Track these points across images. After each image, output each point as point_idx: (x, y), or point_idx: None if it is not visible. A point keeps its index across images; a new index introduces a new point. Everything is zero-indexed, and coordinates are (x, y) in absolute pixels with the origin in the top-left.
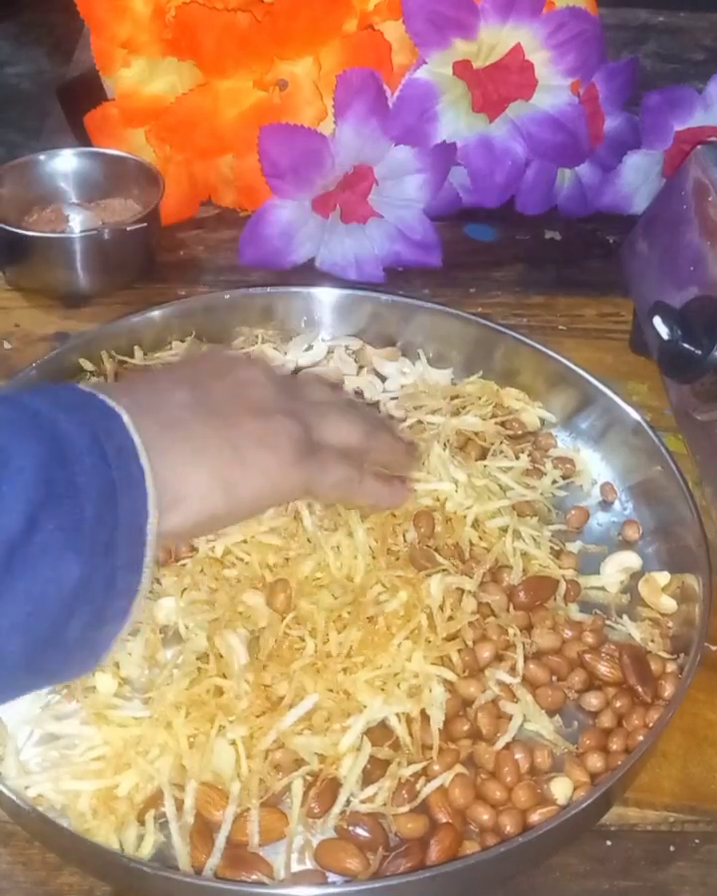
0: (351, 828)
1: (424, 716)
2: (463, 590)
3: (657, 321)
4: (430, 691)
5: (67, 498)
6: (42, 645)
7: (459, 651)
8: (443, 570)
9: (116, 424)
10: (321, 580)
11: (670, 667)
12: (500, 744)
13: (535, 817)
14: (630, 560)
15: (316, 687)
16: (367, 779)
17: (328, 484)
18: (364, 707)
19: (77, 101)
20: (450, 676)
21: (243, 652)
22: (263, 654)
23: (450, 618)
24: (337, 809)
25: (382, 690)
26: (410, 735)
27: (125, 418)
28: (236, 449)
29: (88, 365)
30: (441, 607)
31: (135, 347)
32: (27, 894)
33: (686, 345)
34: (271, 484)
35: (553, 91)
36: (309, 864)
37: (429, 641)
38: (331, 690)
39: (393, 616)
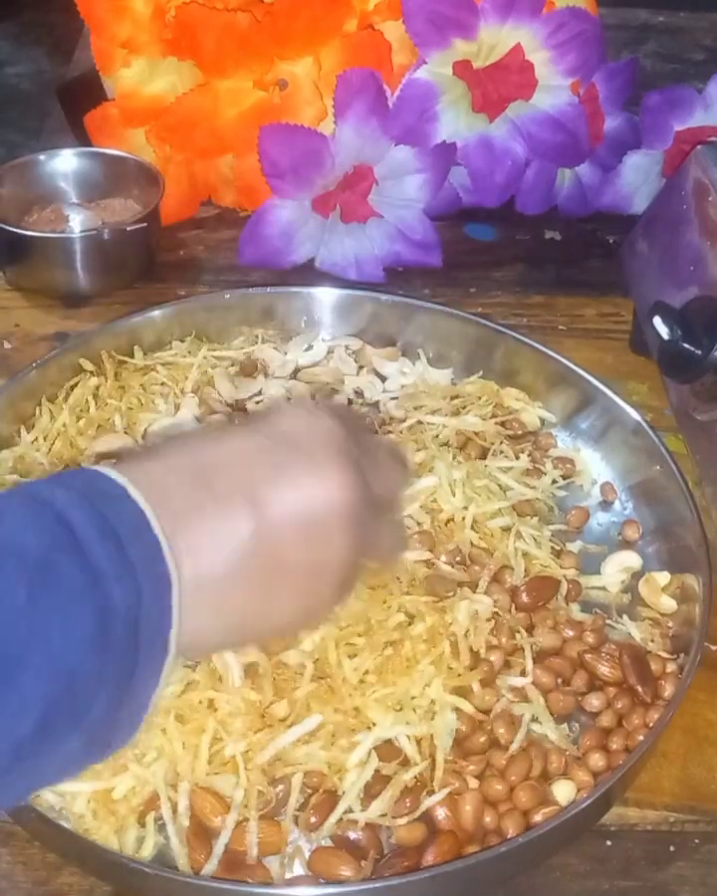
0: (344, 834)
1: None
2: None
3: (657, 321)
4: (443, 717)
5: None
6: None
7: (480, 680)
8: (465, 599)
9: (161, 602)
10: None
11: (670, 667)
12: (514, 747)
13: (537, 818)
14: (631, 559)
15: (321, 709)
16: (368, 791)
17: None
18: (374, 724)
19: (77, 101)
20: (468, 708)
21: (238, 673)
22: (259, 685)
23: (473, 650)
24: (333, 820)
25: (395, 711)
26: (419, 754)
27: (174, 592)
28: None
29: (88, 366)
30: (466, 634)
31: (135, 348)
32: (27, 894)
33: (686, 345)
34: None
35: (553, 91)
36: (302, 871)
37: (451, 668)
38: (338, 710)
39: (418, 641)
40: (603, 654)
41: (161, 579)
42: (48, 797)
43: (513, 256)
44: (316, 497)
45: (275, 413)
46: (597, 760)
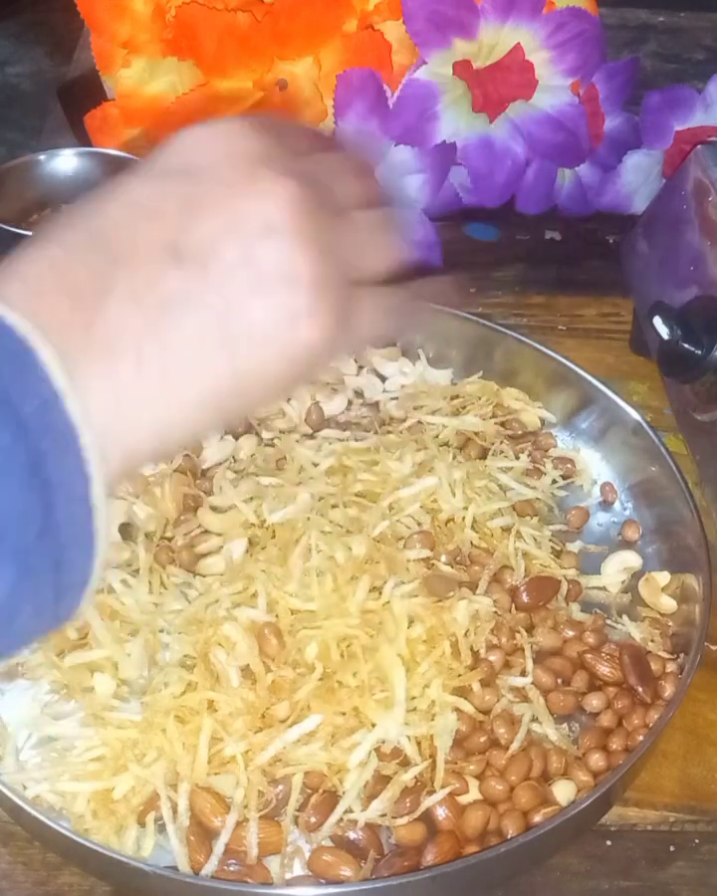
0: (344, 834)
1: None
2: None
3: (657, 321)
4: (443, 717)
5: None
6: None
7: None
8: (464, 599)
9: (29, 371)
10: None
11: (670, 667)
12: (514, 746)
13: (536, 818)
14: (631, 559)
15: (323, 708)
16: (368, 791)
17: (365, 332)
18: (374, 724)
19: (77, 101)
20: (468, 708)
21: (236, 675)
22: (257, 688)
23: (473, 650)
24: (333, 820)
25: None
26: (419, 754)
27: (42, 355)
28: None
29: None
30: (466, 634)
31: None
32: (27, 894)
33: (686, 345)
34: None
35: (553, 91)
36: (302, 871)
37: (451, 669)
38: (340, 712)
39: (417, 643)
40: (603, 654)
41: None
42: (48, 798)
43: (513, 256)
44: (249, 215)
45: (163, 147)
46: (597, 760)
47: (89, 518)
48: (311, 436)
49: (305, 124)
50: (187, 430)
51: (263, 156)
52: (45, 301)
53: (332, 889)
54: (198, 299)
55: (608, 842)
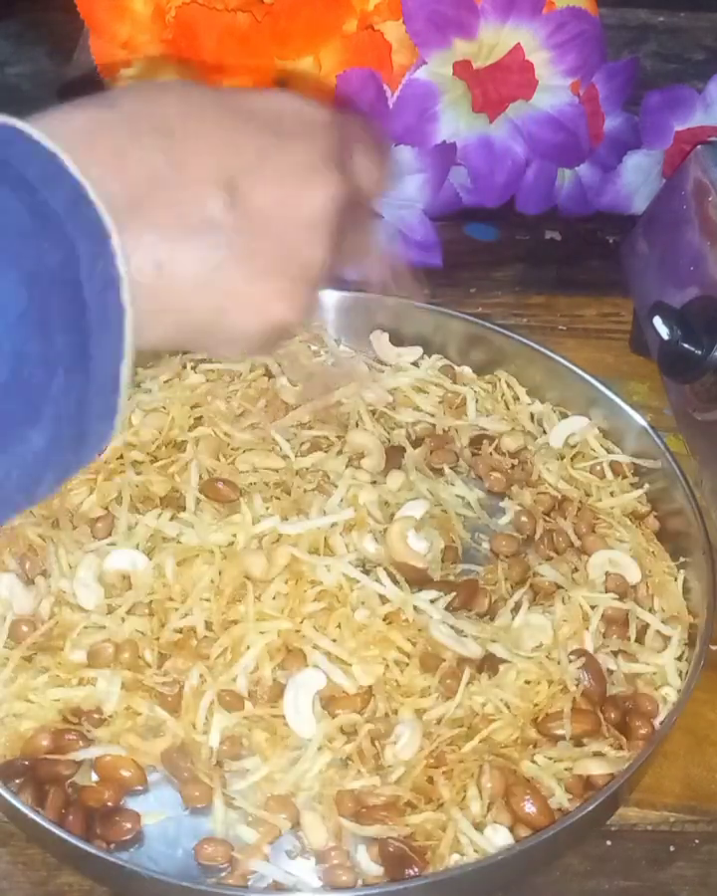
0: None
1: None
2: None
3: (657, 321)
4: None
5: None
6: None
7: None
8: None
9: (101, 247)
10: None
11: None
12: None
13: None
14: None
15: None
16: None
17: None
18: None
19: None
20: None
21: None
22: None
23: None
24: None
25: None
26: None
27: (114, 241)
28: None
29: None
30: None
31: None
32: (27, 894)
33: (686, 345)
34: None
35: (553, 91)
36: (302, 863)
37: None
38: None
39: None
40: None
41: (94, 226)
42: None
43: (513, 256)
44: (300, 198)
45: (258, 93)
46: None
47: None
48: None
49: (360, 126)
50: (162, 338)
51: (334, 155)
52: (102, 182)
53: (332, 895)
54: (222, 239)
55: (609, 842)
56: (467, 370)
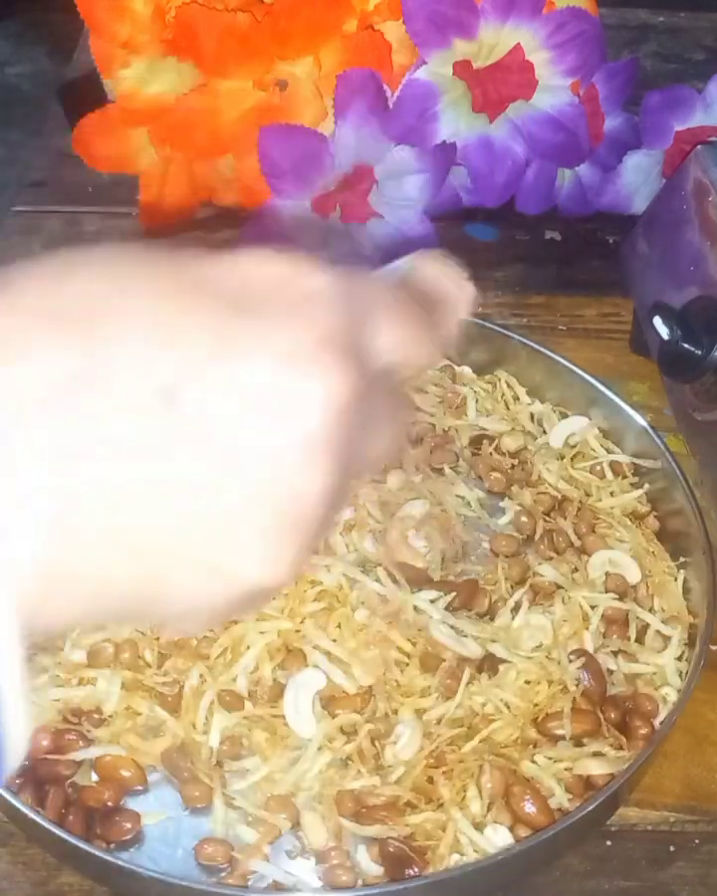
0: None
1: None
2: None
3: (657, 321)
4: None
5: None
6: None
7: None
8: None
9: None
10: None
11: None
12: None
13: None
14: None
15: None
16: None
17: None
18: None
19: (77, 101)
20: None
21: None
22: None
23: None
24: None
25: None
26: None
27: None
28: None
29: None
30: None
31: None
32: (27, 894)
33: (686, 345)
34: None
35: (553, 91)
36: (302, 863)
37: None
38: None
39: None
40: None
41: None
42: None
43: (513, 256)
44: (281, 406)
45: (219, 257)
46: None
47: None
48: None
49: (392, 292)
50: (74, 619)
51: (338, 338)
52: None
53: (332, 895)
54: (153, 473)
55: (609, 842)
56: (467, 370)
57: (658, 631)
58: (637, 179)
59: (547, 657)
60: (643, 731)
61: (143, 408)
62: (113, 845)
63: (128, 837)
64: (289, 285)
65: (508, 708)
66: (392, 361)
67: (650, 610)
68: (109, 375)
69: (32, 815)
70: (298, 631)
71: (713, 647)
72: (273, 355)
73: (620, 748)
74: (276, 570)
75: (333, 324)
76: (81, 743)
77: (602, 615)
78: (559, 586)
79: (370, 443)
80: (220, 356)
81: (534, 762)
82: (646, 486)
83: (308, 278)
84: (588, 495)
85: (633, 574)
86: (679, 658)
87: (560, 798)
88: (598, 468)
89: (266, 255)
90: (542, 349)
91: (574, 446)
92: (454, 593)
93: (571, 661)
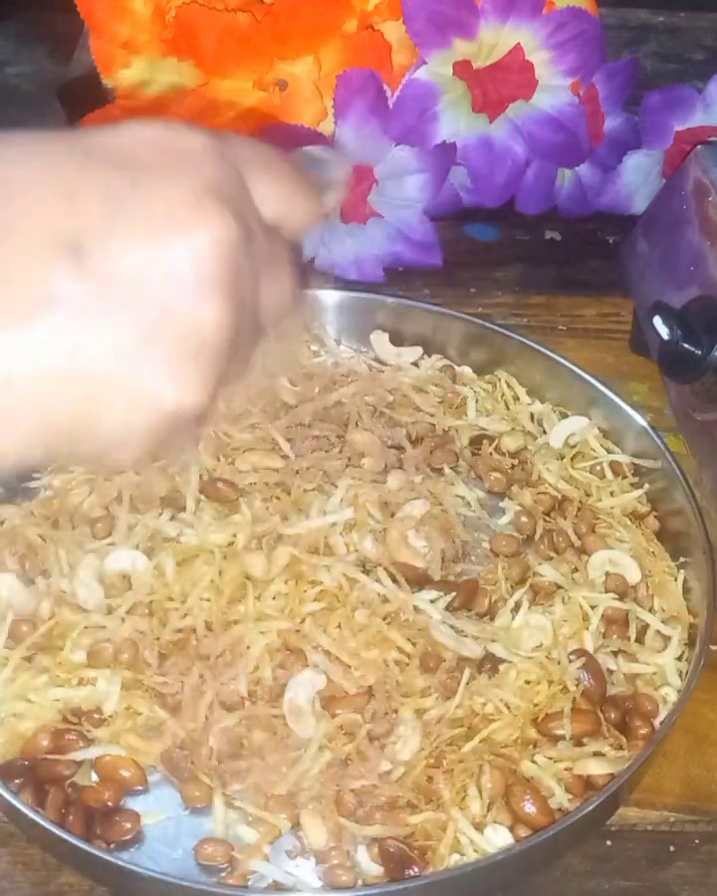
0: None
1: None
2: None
3: (657, 321)
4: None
5: None
6: None
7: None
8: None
9: None
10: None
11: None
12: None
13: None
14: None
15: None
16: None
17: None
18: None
19: (77, 101)
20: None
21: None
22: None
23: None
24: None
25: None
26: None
27: None
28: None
29: None
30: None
31: None
32: (27, 894)
33: (686, 345)
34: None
35: (553, 91)
36: (302, 863)
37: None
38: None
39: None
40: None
41: None
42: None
43: (513, 256)
44: (172, 248)
45: (107, 127)
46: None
47: None
48: None
49: (262, 147)
50: (17, 452)
51: (218, 187)
52: None
53: (332, 895)
54: (76, 314)
55: (609, 842)
56: (467, 370)
57: (658, 631)
58: (637, 179)
59: (547, 657)
60: (643, 731)
61: (49, 266)
62: (113, 845)
63: (128, 837)
64: (171, 145)
65: (508, 708)
66: (276, 217)
67: (650, 610)
68: (11, 243)
69: (32, 815)
70: (298, 631)
71: (713, 647)
72: (161, 206)
73: (620, 748)
74: (189, 394)
75: (212, 175)
76: (81, 743)
77: (602, 615)
78: (559, 586)
79: (268, 291)
80: (112, 211)
81: (534, 762)
82: (646, 486)
83: (187, 138)
84: (588, 495)
85: (633, 574)
86: (679, 658)
87: (560, 798)
88: (598, 468)
89: (147, 122)
90: (542, 349)
91: (574, 446)
92: (454, 593)
93: (571, 661)
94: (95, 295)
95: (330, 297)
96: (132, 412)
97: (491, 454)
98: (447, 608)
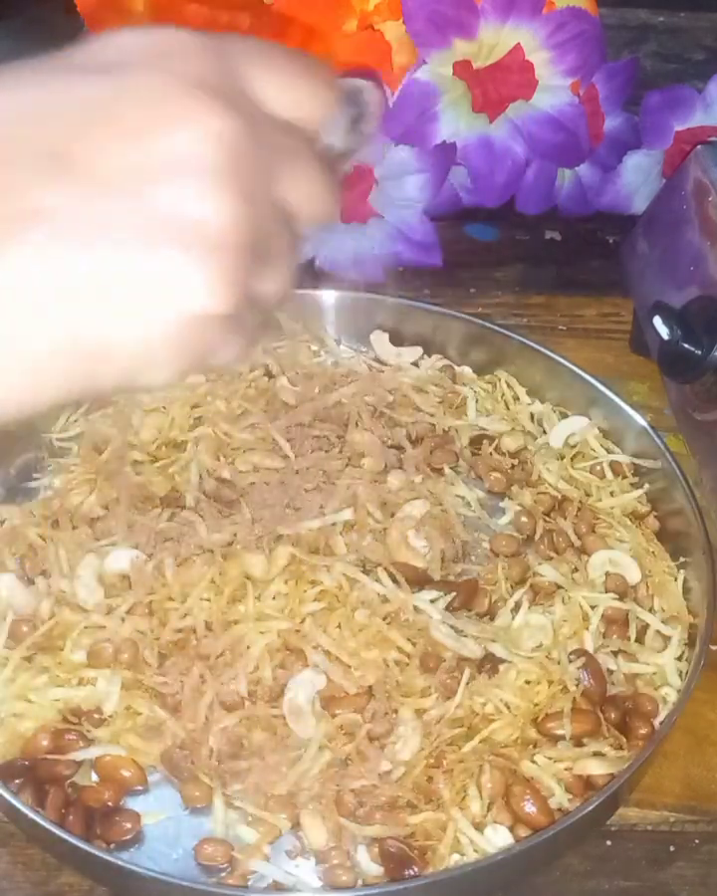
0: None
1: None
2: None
3: (657, 321)
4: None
5: None
6: None
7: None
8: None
9: None
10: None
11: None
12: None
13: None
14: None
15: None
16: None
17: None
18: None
19: None
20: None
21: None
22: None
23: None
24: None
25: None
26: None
27: None
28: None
29: None
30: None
31: None
32: (27, 894)
33: (686, 345)
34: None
35: (553, 91)
36: (302, 863)
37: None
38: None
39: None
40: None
41: None
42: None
43: (513, 256)
44: (163, 140)
45: (98, 38)
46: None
47: None
48: None
49: (273, 47)
50: (48, 387)
51: (207, 79)
52: None
53: (332, 895)
54: (65, 224)
55: (609, 842)
56: (467, 370)
57: (658, 631)
58: (637, 179)
59: (547, 657)
60: (643, 731)
61: (35, 177)
62: (113, 845)
63: (128, 837)
64: (157, 46)
65: (508, 708)
66: (287, 109)
67: (650, 610)
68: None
69: (32, 815)
70: (298, 631)
71: (713, 647)
72: (148, 103)
73: (620, 748)
74: (209, 294)
75: (201, 69)
76: (81, 743)
77: (603, 615)
78: (559, 586)
79: (292, 187)
80: (96, 113)
81: (534, 762)
82: (646, 486)
83: (174, 37)
84: (588, 495)
85: (633, 574)
86: (679, 658)
87: (560, 798)
88: (598, 468)
89: (133, 28)
90: (542, 349)
91: (574, 446)
92: (454, 593)
93: (571, 661)
94: (84, 201)
95: (330, 297)
96: (150, 321)
97: (491, 454)
98: (447, 608)
